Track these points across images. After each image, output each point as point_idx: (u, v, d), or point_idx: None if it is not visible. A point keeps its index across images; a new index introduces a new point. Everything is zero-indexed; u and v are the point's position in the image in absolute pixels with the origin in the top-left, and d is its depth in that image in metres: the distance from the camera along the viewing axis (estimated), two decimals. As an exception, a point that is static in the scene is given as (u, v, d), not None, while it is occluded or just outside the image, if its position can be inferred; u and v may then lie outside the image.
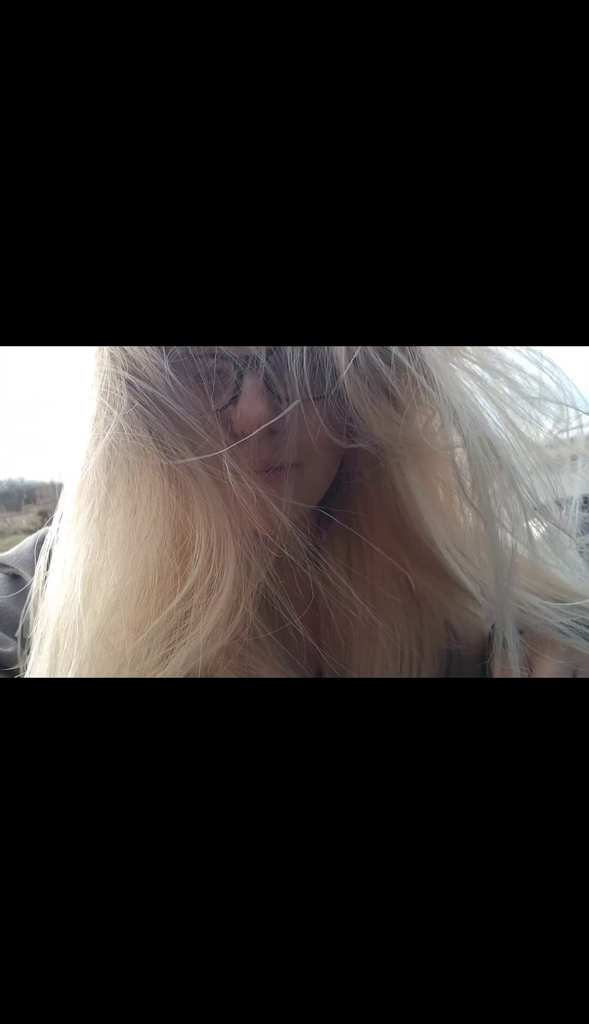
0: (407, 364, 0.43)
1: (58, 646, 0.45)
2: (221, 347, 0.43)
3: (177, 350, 0.44)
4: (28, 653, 0.48)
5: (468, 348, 0.47)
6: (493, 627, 0.51)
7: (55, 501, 0.52)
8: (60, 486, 0.52)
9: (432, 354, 0.45)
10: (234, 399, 0.43)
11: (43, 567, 0.48)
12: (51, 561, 0.48)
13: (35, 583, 0.48)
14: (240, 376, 0.43)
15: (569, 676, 0.46)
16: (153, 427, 0.44)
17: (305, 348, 0.43)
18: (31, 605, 0.48)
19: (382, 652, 0.51)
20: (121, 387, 0.44)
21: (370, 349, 0.43)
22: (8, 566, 0.55)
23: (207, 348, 0.43)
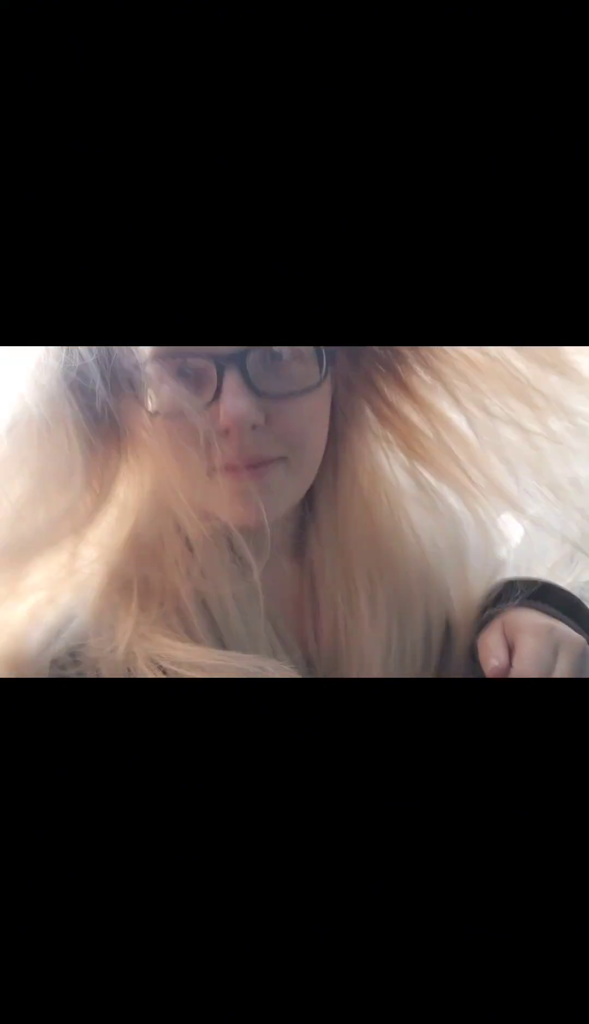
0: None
1: None
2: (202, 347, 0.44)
3: (160, 349, 0.45)
4: None
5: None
6: (482, 605, 0.53)
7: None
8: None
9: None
10: (217, 397, 0.44)
11: None
12: None
13: None
14: (221, 373, 0.44)
15: (551, 653, 0.47)
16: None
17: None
18: None
19: (373, 637, 0.52)
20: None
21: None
22: None
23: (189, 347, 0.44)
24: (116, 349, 0.45)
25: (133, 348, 0.45)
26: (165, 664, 0.45)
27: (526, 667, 0.46)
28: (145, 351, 0.45)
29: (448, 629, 0.55)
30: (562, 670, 0.47)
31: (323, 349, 0.46)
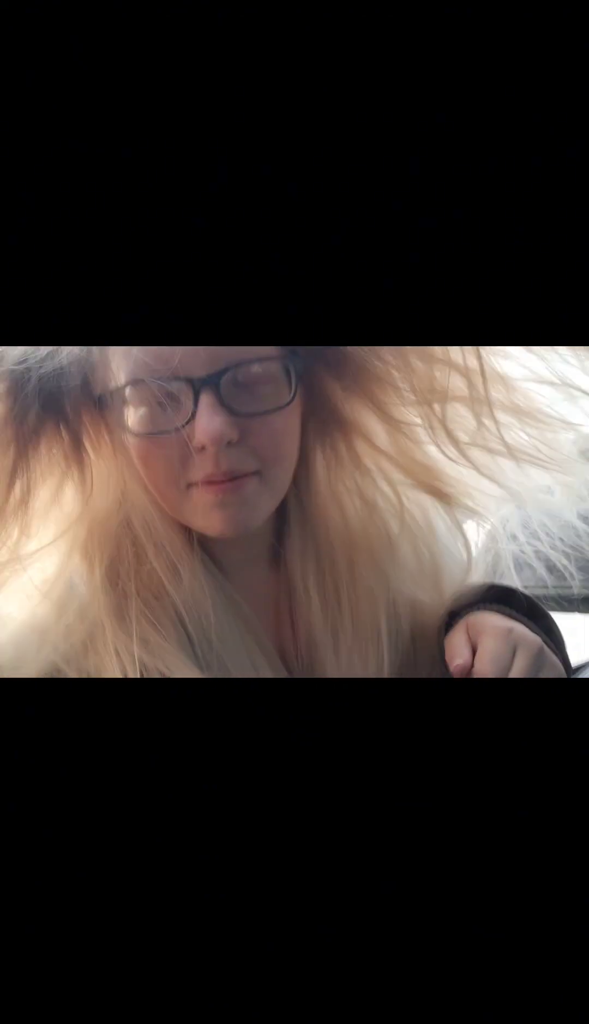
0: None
1: None
2: (178, 369, 0.47)
3: (137, 373, 0.47)
4: None
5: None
6: (449, 609, 0.57)
7: None
8: None
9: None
10: (193, 416, 0.47)
11: None
12: None
13: None
14: (197, 394, 0.47)
15: (510, 653, 0.50)
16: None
17: (259, 363, 0.48)
18: None
19: (346, 642, 0.55)
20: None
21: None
22: None
23: (165, 370, 0.47)
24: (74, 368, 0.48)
25: (104, 367, 0.48)
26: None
27: (486, 666, 0.49)
28: (121, 376, 0.48)
29: (418, 632, 0.58)
30: (519, 668, 0.50)
31: (293, 370, 0.50)
